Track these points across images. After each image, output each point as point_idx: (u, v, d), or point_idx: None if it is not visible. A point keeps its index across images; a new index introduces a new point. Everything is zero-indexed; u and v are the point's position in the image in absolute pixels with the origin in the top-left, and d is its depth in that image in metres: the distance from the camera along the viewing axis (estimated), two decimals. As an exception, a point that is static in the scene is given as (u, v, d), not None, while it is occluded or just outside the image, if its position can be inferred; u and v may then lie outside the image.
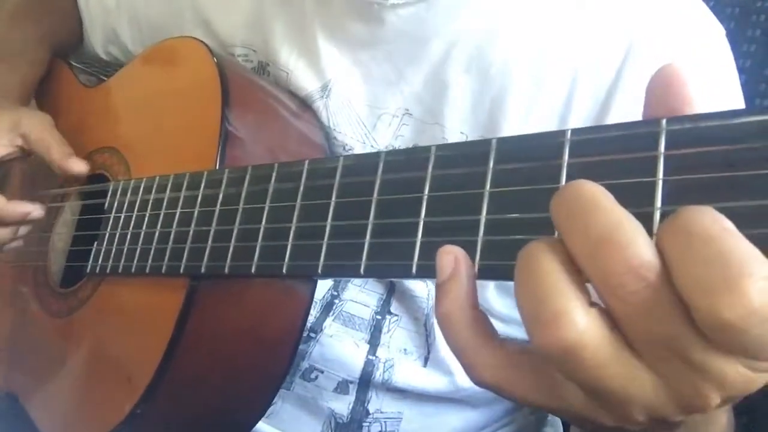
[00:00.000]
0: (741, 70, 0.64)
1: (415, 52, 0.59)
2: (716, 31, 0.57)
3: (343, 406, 0.64)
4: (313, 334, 0.63)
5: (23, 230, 0.68)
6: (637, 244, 0.24)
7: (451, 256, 0.30)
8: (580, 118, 0.55)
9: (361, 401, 0.64)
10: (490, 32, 0.57)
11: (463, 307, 0.30)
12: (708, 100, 0.56)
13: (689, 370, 0.25)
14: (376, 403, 0.64)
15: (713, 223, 0.23)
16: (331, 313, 0.63)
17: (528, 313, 0.26)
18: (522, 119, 0.57)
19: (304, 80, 0.64)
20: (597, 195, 0.25)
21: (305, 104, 0.64)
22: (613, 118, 0.54)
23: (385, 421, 0.65)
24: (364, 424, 0.65)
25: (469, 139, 0.58)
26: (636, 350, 0.25)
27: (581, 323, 0.24)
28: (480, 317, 0.30)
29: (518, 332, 0.64)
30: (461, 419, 0.68)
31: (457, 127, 0.58)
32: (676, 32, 0.56)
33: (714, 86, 0.56)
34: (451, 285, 0.30)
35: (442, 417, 0.67)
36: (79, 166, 0.66)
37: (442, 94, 0.59)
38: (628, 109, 0.54)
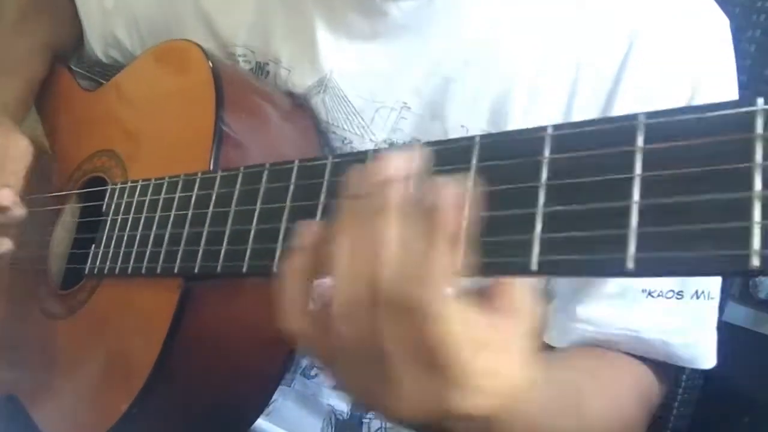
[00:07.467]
0: (741, 70, 0.63)
1: (416, 46, 0.59)
2: (720, 24, 0.57)
3: (343, 402, 0.64)
4: None
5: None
6: None
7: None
8: (584, 112, 0.55)
9: None
10: (493, 26, 0.57)
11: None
12: (704, 96, 0.55)
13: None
14: None
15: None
16: None
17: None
18: (525, 113, 0.56)
19: (303, 77, 0.64)
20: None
21: (302, 103, 0.64)
22: (618, 110, 0.54)
23: None
24: (364, 420, 0.65)
25: (470, 133, 0.57)
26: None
27: None
28: None
29: None
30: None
31: (458, 121, 0.58)
32: (679, 24, 0.55)
33: (711, 83, 0.55)
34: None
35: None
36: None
37: (442, 88, 0.58)
38: (632, 102, 0.53)
